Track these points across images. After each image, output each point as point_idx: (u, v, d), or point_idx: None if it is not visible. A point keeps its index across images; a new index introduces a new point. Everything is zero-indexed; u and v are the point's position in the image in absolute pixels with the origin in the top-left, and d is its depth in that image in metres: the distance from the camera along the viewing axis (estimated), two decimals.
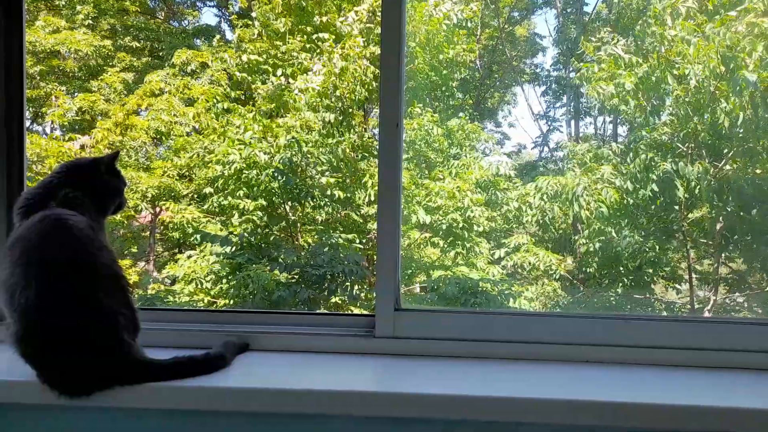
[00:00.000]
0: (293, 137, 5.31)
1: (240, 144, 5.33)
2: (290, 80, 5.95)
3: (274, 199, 5.53)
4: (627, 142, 6.00)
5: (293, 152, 5.34)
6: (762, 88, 4.63)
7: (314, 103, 5.58)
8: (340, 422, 1.14)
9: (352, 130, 5.74)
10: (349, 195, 5.57)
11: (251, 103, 6.01)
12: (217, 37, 7.16)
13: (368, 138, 6.27)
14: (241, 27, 6.08)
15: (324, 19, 5.89)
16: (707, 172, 5.02)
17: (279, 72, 5.85)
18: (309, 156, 5.43)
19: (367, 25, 5.68)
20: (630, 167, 5.25)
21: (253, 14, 6.14)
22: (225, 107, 5.78)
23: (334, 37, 5.71)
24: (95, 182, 1.23)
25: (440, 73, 6.17)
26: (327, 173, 5.57)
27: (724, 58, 4.63)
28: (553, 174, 6.16)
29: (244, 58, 5.82)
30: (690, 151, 5.26)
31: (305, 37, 5.95)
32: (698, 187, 5.00)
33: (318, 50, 5.75)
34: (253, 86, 5.93)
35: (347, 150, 5.64)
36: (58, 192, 1.16)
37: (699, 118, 5.09)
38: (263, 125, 5.47)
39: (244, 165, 5.29)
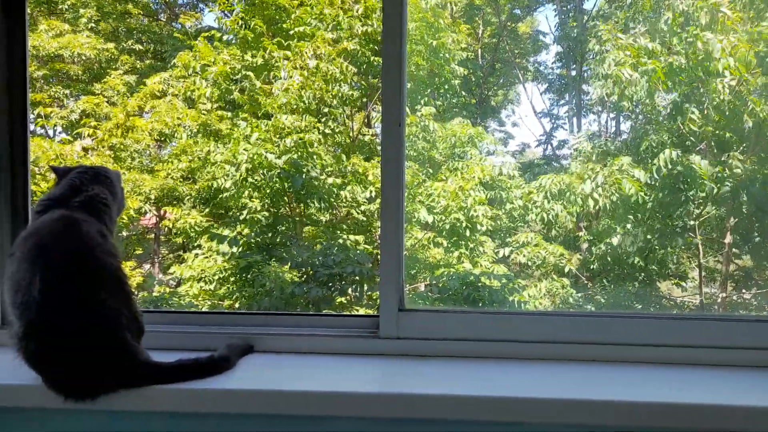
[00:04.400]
0: (300, 138, 5.29)
1: (246, 145, 5.32)
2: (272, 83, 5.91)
3: (280, 199, 5.52)
4: (636, 137, 5.96)
5: (299, 153, 5.33)
6: None
7: (292, 106, 5.52)
8: (345, 423, 1.14)
9: (332, 128, 5.69)
10: (348, 193, 5.57)
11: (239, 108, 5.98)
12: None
13: (371, 136, 6.27)
14: (202, 42, 5.99)
15: (298, 12, 5.84)
16: (723, 169, 4.99)
17: (262, 76, 5.80)
18: (315, 157, 5.41)
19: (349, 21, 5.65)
20: (649, 165, 5.22)
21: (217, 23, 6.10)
22: (217, 115, 5.77)
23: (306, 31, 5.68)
24: (118, 191, 1.28)
25: (440, 66, 6.14)
26: (332, 174, 5.57)
27: (759, 59, 4.59)
28: (556, 172, 6.15)
29: (215, 69, 5.77)
30: (706, 149, 5.23)
31: (281, 36, 5.91)
32: (716, 184, 4.97)
33: (295, 49, 5.70)
34: (236, 93, 5.88)
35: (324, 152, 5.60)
36: (86, 189, 1.18)
37: (721, 116, 5.05)
38: (270, 126, 5.45)
39: (251, 166, 5.29)
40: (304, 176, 5.32)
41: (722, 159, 5.10)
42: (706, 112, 5.09)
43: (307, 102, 5.47)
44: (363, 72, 6.13)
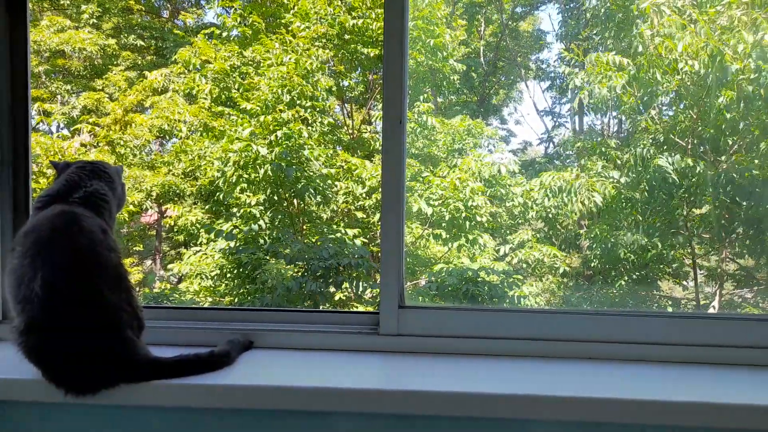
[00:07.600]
0: (289, 130, 5.27)
1: (238, 141, 5.31)
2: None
3: (276, 193, 5.51)
4: (625, 137, 5.99)
5: (291, 144, 5.30)
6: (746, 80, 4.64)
7: (274, 97, 5.48)
8: (345, 419, 1.15)
9: (320, 121, 5.67)
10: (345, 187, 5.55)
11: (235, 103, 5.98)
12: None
13: (370, 133, 6.26)
14: (201, 39, 5.98)
15: (296, 7, 5.84)
16: (708, 166, 5.01)
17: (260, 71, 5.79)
18: (306, 147, 5.39)
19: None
20: (628, 162, 5.26)
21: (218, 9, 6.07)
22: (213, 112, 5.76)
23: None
24: (118, 187, 1.28)
25: (439, 62, 6.12)
26: (325, 165, 5.56)
27: (710, 53, 4.64)
28: (557, 169, 6.15)
29: (214, 66, 5.76)
30: (690, 146, 5.25)
31: (281, 30, 5.91)
32: (700, 182, 5.00)
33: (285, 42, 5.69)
34: (234, 90, 5.87)
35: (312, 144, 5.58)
36: (85, 185, 1.19)
37: (693, 112, 5.09)
38: (261, 122, 5.43)
39: (245, 161, 5.26)
40: (295, 168, 5.31)
41: (707, 157, 5.12)
42: (680, 108, 5.15)
43: (287, 96, 5.44)
44: (362, 67, 6.11)
